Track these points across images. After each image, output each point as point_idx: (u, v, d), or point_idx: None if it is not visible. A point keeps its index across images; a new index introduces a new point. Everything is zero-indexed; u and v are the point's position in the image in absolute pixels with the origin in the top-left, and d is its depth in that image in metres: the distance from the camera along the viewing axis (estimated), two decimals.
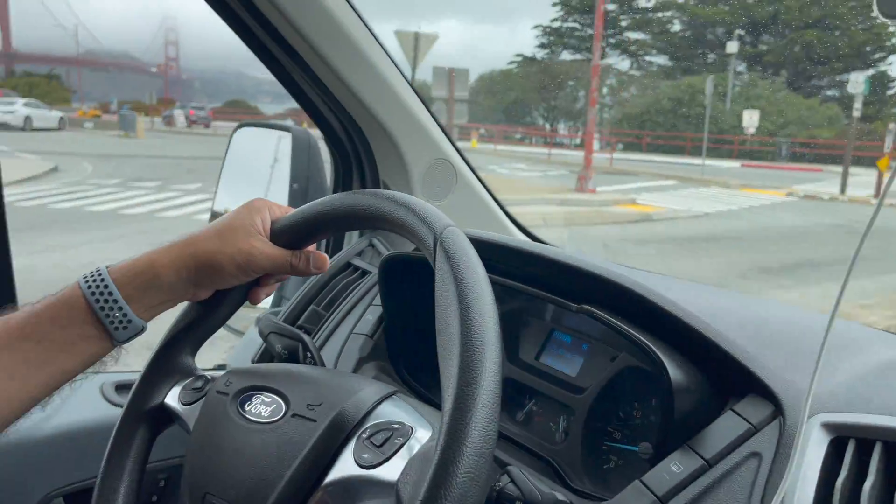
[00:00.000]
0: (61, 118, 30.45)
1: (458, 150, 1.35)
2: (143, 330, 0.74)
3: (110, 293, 0.71)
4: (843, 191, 16.10)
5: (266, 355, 1.12)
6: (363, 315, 1.10)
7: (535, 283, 0.95)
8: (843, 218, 12.46)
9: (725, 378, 0.78)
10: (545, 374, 0.96)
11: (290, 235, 0.78)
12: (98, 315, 0.70)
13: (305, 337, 0.95)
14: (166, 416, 0.79)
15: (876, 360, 0.83)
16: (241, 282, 0.79)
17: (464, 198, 1.35)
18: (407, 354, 1.06)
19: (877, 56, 39.56)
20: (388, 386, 0.72)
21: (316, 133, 1.38)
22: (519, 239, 1.15)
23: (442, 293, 0.62)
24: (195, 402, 0.76)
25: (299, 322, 1.14)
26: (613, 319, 0.82)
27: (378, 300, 1.08)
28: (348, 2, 1.15)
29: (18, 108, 28.41)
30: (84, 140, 24.60)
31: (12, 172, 14.25)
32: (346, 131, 1.33)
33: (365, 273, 1.19)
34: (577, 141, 39.99)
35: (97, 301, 0.70)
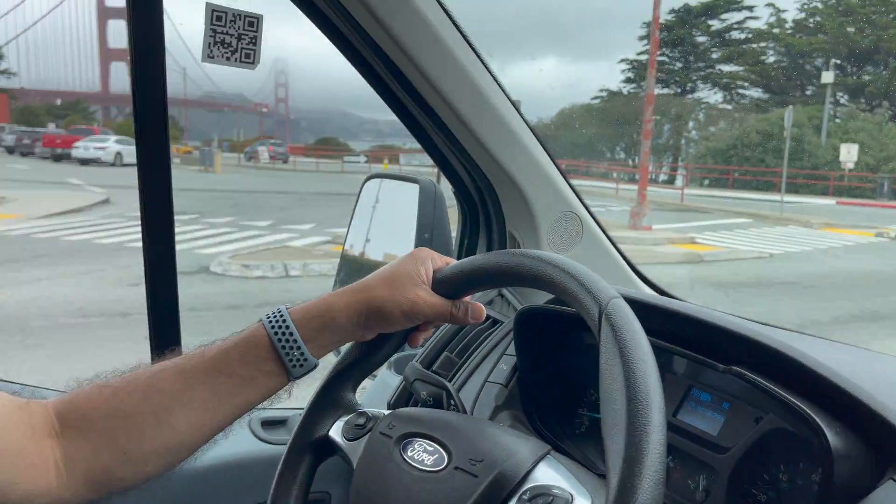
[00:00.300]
0: None
1: (583, 202, 1.37)
2: (315, 367, 0.80)
3: (291, 334, 0.77)
4: None
5: (402, 398, 1.16)
6: (497, 364, 1.13)
7: (673, 339, 0.96)
8: None
9: (884, 446, 0.76)
10: (684, 431, 0.96)
11: (451, 286, 0.83)
12: (279, 353, 0.77)
13: (449, 385, 1.00)
14: (329, 448, 0.84)
15: None
16: (404, 327, 0.84)
17: (590, 250, 1.37)
18: (540, 404, 1.09)
19: None
20: (541, 444, 0.74)
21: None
22: (654, 294, 1.17)
23: (607, 368, 0.63)
24: (358, 438, 0.80)
25: (433, 368, 1.18)
26: (765, 382, 0.82)
27: (511, 349, 1.11)
28: (473, 48, 1.19)
29: (110, 144, 29.97)
30: None
31: (61, 203, 14.90)
32: (473, 181, 1.38)
33: (496, 322, 1.23)
34: (663, 176, 39.33)
35: (279, 341, 0.77)
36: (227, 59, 1.06)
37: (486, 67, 1.21)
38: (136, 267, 8.10)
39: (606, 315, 0.66)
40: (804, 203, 25.68)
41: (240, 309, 6.98)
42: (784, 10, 42.70)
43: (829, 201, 27.08)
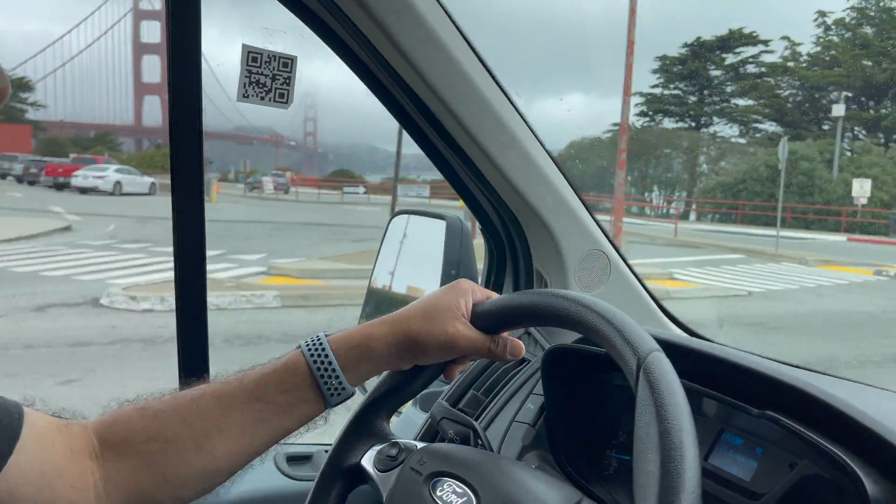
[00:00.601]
0: (152, 184, 32.23)
1: (610, 241, 1.37)
2: (352, 395, 0.81)
3: (330, 363, 0.78)
4: None
5: (427, 436, 1.16)
6: (524, 403, 1.12)
7: (704, 381, 0.95)
8: None
9: None
10: (716, 476, 0.94)
11: (490, 321, 0.83)
12: (318, 382, 0.77)
13: (476, 425, 0.99)
14: (360, 477, 0.84)
15: None
16: (441, 360, 0.84)
17: (617, 289, 1.37)
18: (568, 445, 1.07)
19: None
20: (572, 491, 0.73)
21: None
22: (684, 336, 1.17)
23: (643, 423, 0.62)
24: (388, 470, 0.80)
25: (459, 405, 1.18)
26: (800, 427, 0.81)
27: (539, 389, 1.11)
28: (497, 83, 1.19)
29: (110, 174, 30.50)
30: (156, 204, 25.27)
31: (18, 229, 14.92)
32: (499, 216, 1.39)
33: (524, 360, 1.22)
34: (667, 210, 39.18)
35: (318, 369, 0.77)
36: (262, 98, 1.08)
37: (512, 103, 1.22)
38: (39, 296, 8.25)
39: (645, 369, 0.65)
40: (814, 239, 25.35)
41: (84, 346, 6.67)
42: (799, 44, 42.91)
43: (840, 238, 26.71)
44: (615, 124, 47.55)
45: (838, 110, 32.90)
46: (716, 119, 46.09)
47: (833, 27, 40.94)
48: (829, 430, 0.80)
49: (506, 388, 1.17)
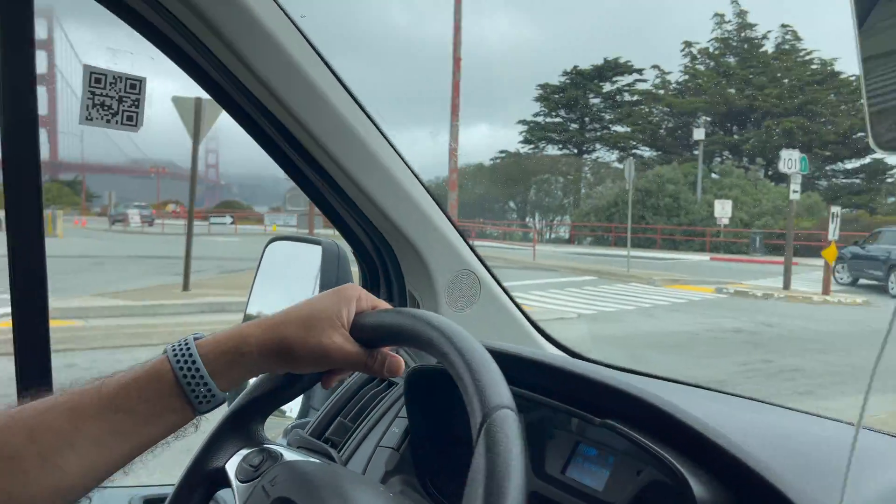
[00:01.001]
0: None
1: (481, 260, 1.40)
2: (223, 402, 0.77)
3: (197, 369, 0.74)
4: (786, 286, 15.20)
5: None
6: (389, 427, 1.11)
7: (558, 394, 0.97)
8: (751, 321, 11.17)
9: (748, 491, 0.78)
10: (571, 488, 0.97)
11: (371, 335, 0.80)
12: (185, 390, 0.73)
13: (333, 453, 0.96)
14: (224, 481, 0.81)
15: None
16: (314, 371, 0.82)
17: (488, 309, 1.39)
18: (433, 467, 1.07)
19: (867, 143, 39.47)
20: None
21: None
22: (543, 351, 1.18)
23: (472, 486, 0.60)
24: (248, 481, 0.79)
25: (326, 434, 1.17)
26: (635, 434, 0.84)
27: (405, 412, 1.10)
28: (362, 108, 1.21)
29: None
30: None
31: None
32: (370, 241, 1.39)
33: (392, 384, 1.21)
34: (550, 235, 39.71)
35: (185, 377, 0.73)
36: (108, 121, 1.06)
37: (377, 126, 1.23)
38: None
39: (487, 429, 0.62)
40: (680, 259, 26.09)
41: None
42: (668, 73, 44.75)
43: (704, 257, 27.69)
44: (503, 151, 48.11)
45: (699, 134, 34.24)
46: (597, 145, 47.33)
47: (699, 56, 42.95)
48: (666, 436, 0.83)
49: (372, 413, 1.16)
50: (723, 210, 29.14)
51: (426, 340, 0.74)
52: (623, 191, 33.52)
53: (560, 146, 48.94)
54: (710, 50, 43.29)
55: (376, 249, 1.39)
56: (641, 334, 10.02)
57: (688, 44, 43.70)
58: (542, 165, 43.61)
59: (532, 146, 48.64)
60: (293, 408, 1.34)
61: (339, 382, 1.21)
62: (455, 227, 1.36)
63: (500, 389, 0.66)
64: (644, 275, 17.71)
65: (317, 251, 1.35)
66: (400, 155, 1.26)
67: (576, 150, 48.24)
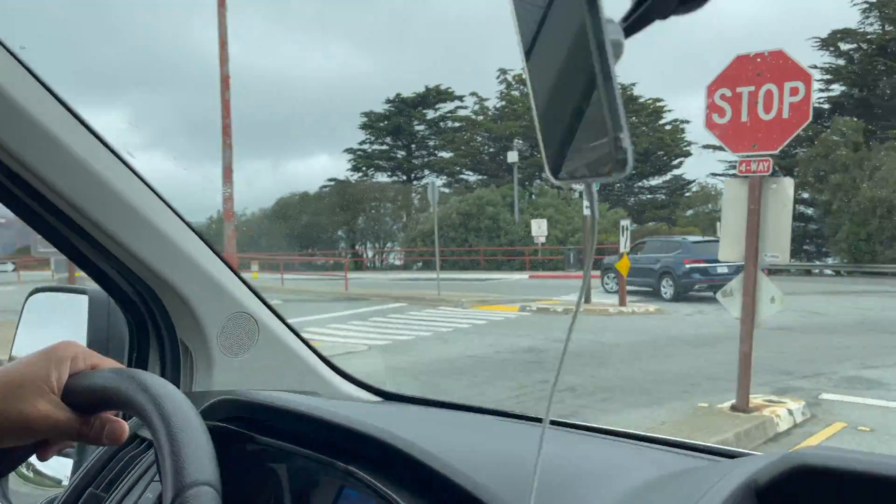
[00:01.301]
0: None
1: (260, 299, 1.33)
2: None
3: None
4: (586, 299, 15.85)
5: None
6: (143, 493, 1.03)
7: (315, 440, 0.95)
8: (546, 339, 11.35)
9: None
10: None
11: (85, 399, 0.72)
12: None
13: None
14: None
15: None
16: (17, 444, 0.71)
17: (267, 350, 1.33)
18: None
19: (672, 160, 42.84)
20: None
21: None
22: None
23: None
24: None
25: None
26: (366, 476, 0.86)
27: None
28: (104, 143, 1.09)
29: None
30: None
31: None
32: (134, 289, 1.27)
33: (151, 445, 1.11)
34: (381, 262, 39.46)
35: None
36: None
37: (122, 161, 1.11)
38: None
39: None
40: (502, 279, 26.72)
41: None
42: (486, 99, 46.39)
43: (524, 276, 28.61)
44: (332, 179, 47.45)
45: (513, 157, 35.49)
46: (426, 171, 47.97)
47: (513, 82, 44.80)
48: (396, 471, 0.84)
49: (126, 480, 1.07)
50: (539, 229, 30.43)
51: (136, 404, 0.69)
52: (445, 215, 34.10)
53: (389, 173, 49.20)
54: (523, 76, 45.27)
55: (141, 298, 1.30)
56: (428, 361, 9.85)
57: (503, 70, 45.66)
58: (369, 193, 43.50)
59: (361, 174, 48.51)
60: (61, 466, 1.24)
61: (94, 449, 1.14)
62: (230, 266, 1.29)
63: (202, 463, 0.62)
64: (454, 297, 17.89)
65: (83, 301, 1.28)
66: (154, 191, 1.16)
67: (405, 177, 48.67)
